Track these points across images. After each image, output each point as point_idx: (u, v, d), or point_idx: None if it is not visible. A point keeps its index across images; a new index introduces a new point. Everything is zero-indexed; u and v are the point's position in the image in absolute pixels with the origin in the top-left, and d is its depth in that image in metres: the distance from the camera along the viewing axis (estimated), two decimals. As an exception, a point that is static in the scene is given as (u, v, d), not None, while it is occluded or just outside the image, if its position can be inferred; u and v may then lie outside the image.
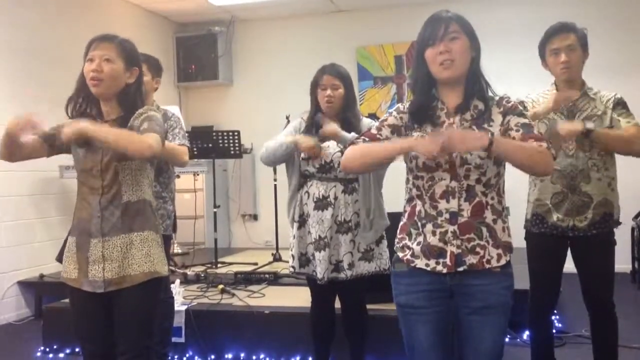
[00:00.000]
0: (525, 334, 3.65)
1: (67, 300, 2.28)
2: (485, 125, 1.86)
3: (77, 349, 3.64)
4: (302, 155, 2.89)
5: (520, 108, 1.90)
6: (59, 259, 2.46)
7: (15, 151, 2.12)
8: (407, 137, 1.89)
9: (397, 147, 1.83)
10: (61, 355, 3.86)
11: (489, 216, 1.85)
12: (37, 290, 4.93)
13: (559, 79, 2.70)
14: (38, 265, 4.93)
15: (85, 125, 2.00)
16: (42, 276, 4.90)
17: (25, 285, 4.91)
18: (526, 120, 1.87)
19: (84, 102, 2.17)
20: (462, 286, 1.87)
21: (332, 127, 2.80)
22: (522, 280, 2.77)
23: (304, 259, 2.91)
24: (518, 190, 2.85)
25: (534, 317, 2.88)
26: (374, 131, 1.97)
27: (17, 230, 4.86)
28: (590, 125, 2.53)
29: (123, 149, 2.03)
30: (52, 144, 2.17)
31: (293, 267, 2.94)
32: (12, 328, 4.66)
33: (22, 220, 4.92)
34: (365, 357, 3.10)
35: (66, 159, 2.28)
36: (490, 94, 1.92)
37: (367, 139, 1.95)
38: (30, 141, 2.09)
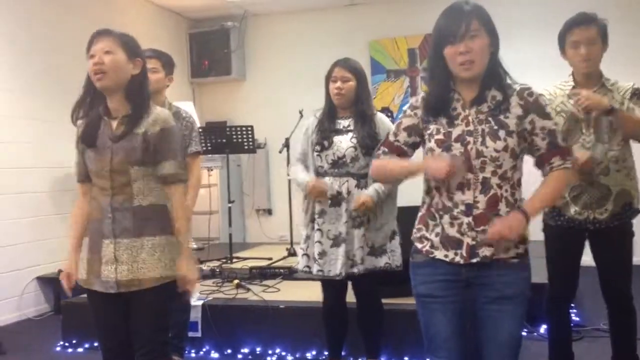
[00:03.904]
0: (543, 328, 3.63)
1: (85, 296, 2.30)
2: (502, 117, 1.84)
3: (95, 344, 3.68)
4: (316, 148, 2.90)
5: (544, 106, 1.88)
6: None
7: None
8: (417, 161, 1.93)
9: (407, 170, 1.94)
10: (80, 349, 3.91)
11: (502, 208, 1.85)
12: (56, 285, 4.98)
13: (577, 72, 2.67)
14: (56, 261, 4.98)
15: (190, 277, 2.17)
16: (60, 272, 4.93)
17: (44, 281, 4.97)
18: (551, 125, 1.87)
19: (90, 103, 2.16)
20: (479, 276, 1.87)
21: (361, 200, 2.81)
22: (539, 274, 2.75)
23: (314, 258, 2.91)
24: (536, 181, 2.82)
25: (552, 311, 2.86)
26: (391, 138, 1.99)
27: (36, 227, 4.92)
28: (615, 104, 2.52)
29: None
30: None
31: (307, 266, 2.94)
32: (32, 323, 4.72)
33: (40, 216, 4.97)
34: (380, 352, 3.11)
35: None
36: (509, 81, 1.90)
37: (386, 150, 1.99)
38: (83, 199, 2.25)
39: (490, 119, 1.84)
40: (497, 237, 1.78)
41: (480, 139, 1.83)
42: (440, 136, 1.87)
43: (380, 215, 2.87)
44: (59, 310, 4.52)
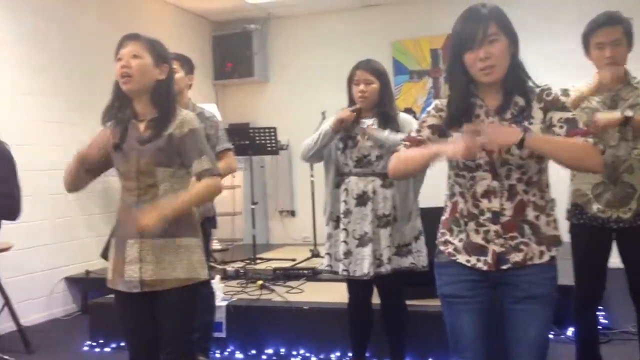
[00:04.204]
0: (570, 330, 3.58)
1: (112, 296, 2.34)
2: (526, 123, 1.82)
3: (122, 343, 3.73)
4: (340, 145, 2.89)
5: (562, 101, 1.85)
6: (104, 255, 2.52)
7: (80, 182, 2.23)
8: (436, 144, 1.88)
9: (428, 154, 1.84)
10: (107, 349, 3.96)
11: (530, 214, 1.83)
12: (83, 286, 5.06)
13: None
14: (84, 261, 5.06)
15: (164, 212, 2.05)
16: (87, 272, 5.03)
17: (72, 282, 5.05)
18: (569, 115, 1.82)
19: (117, 106, 2.20)
20: (506, 277, 1.86)
21: (370, 130, 2.81)
22: (566, 276, 2.71)
23: (337, 258, 2.91)
24: (564, 180, 2.79)
25: (579, 312, 2.83)
26: (414, 134, 1.97)
27: (64, 228, 5.00)
28: (629, 112, 2.47)
29: (203, 203, 2.23)
30: (104, 165, 2.24)
31: (330, 265, 2.95)
32: (60, 323, 4.80)
33: (67, 218, 5.06)
34: (405, 353, 3.10)
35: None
36: (530, 84, 1.87)
37: (408, 144, 1.96)
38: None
39: (514, 125, 1.81)
40: (489, 133, 1.71)
41: (505, 147, 1.79)
42: None
43: (405, 207, 2.86)
44: (87, 310, 4.59)
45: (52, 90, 4.93)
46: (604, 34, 2.55)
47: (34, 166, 4.66)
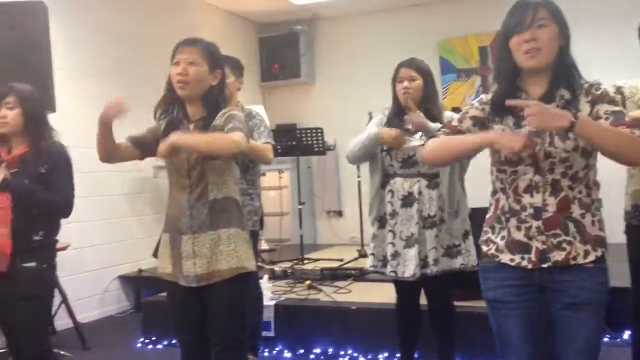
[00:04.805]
0: (626, 334, 3.47)
1: (164, 294, 2.39)
2: None
3: (174, 341, 3.81)
4: (384, 147, 2.88)
5: (611, 95, 1.79)
6: (155, 254, 2.59)
7: (111, 151, 2.25)
8: (488, 131, 1.83)
9: (477, 141, 1.77)
10: (160, 346, 4.06)
11: (576, 211, 1.77)
12: (136, 284, 5.20)
13: None
14: (136, 260, 5.20)
15: (175, 139, 2.10)
16: (140, 271, 5.16)
17: (125, 280, 5.19)
18: (617, 108, 1.75)
19: (171, 105, 2.27)
20: (553, 281, 1.80)
21: (418, 115, 2.77)
22: (622, 278, 2.63)
23: (385, 258, 2.90)
24: (615, 180, 2.70)
25: (636, 316, 2.73)
26: (455, 123, 1.92)
27: (117, 228, 5.15)
28: None
29: (214, 152, 2.13)
30: (143, 148, 2.29)
31: (374, 266, 2.94)
32: (114, 320, 4.94)
33: (120, 218, 5.21)
34: (454, 355, 3.06)
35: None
36: (581, 81, 1.82)
37: (447, 131, 1.92)
38: (123, 143, 2.25)
39: None
40: (535, 112, 1.62)
41: (548, 140, 1.75)
42: None
43: (452, 203, 2.83)
44: (140, 307, 4.71)
45: (105, 94, 5.05)
46: None
47: (89, 168, 4.79)
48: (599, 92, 1.78)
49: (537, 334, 1.87)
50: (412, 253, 2.80)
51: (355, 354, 3.59)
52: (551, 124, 1.62)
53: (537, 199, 1.78)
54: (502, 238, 1.85)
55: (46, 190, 2.57)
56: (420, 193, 2.83)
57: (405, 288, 2.94)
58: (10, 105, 2.59)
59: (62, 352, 3.77)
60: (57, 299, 3.43)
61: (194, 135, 2.17)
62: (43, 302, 2.62)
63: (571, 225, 1.77)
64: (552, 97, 1.79)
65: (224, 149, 2.10)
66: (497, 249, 1.86)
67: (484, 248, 1.91)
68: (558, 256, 1.77)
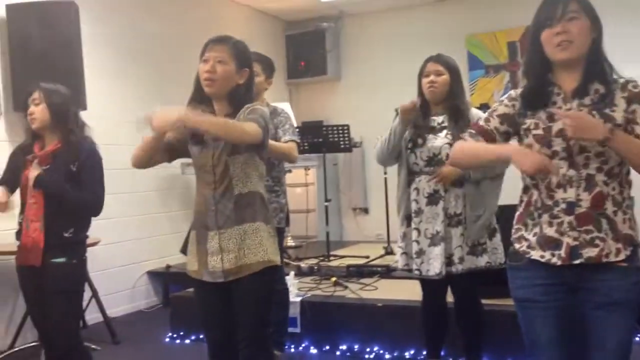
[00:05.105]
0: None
1: (191, 290, 2.42)
2: (607, 110, 1.74)
3: (201, 336, 3.85)
4: (409, 144, 2.86)
5: None
6: (183, 250, 2.62)
7: (148, 160, 2.26)
8: (509, 144, 1.83)
9: (497, 153, 1.81)
10: (187, 341, 4.10)
11: (609, 207, 1.74)
12: (164, 279, 5.27)
13: None
14: (164, 256, 5.27)
15: (182, 114, 2.07)
16: (168, 267, 5.23)
17: (154, 275, 5.26)
18: None
19: (199, 102, 2.29)
20: (584, 280, 1.77)
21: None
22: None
23: (412, 256, 2.88)
24: None
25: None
26: (482, 123, 1.91)
27: (145, 224, 5.22)
28: None
29: (221, 136, 2.13)
30: (172, 151, 2.31)
31: (407, 264, 2.94)
32: (143, 315, 5.02)
33: (149, 214, 5.28)
34: (481, 353, 3.03)
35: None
36: (614, 76, 1.79)
37: (474, 132, 1.91)
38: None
39: (594, 112, 1.74)
40: (572, 121, 1.65)
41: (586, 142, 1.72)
42: (540, 131, 1.78)
43: (476, 207, 2.80)
44: (168, 303, 4.77)
45: (134, 92, 5.13)
46: None
47: (119, 165, 4.86)
48: (637, 90, 1.75)
49: (567, 335, 1.84)
50: (437, 251, 2.78)
51: (381, 351, 3.58)
52: (586, 135, 1.66)
53: (571, 194, 1.75)
54: (534, 234, 1.82)
55: (77, 188, 2.61)
56: (446, 191, 2.82)
57: (431, 286, 2.93)
58: (36, 101, 2.66)
59: (92, 346, 3.84)
60: (87, 294, 3.50)
61: (203, 114, 2.16)
62: (74, 296, 2.67)
63: (604, 222, 1.74)
64: (585, 91, 1.77)
65: (231, 134, 2.11)
66: (528, 246, 1.83)
67: (517, 245, 1.88)
68: (591, 252, 1.74)
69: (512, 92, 1.91)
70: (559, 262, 1.76)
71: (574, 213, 1.75)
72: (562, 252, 1.76)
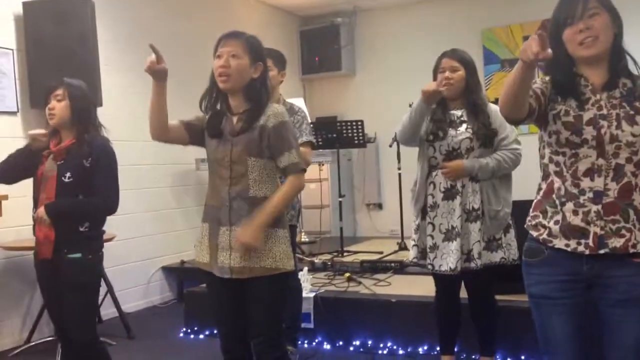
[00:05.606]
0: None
1: (205, 285, 2.43)
2: (637, 103, 1.73)
3: (215, 331, 3.87)
4: (430, 137, 2.84)
5: None
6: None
7: (164, 125, 2.26)
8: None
9: (519, 65, 1.71)
10: (201, 336, 4.13)
11: (637, 198, 1.72)
12: (179, 275, 5.30)
13: None
14: (179, 252, 5.30)
15: (253, 235, 2.14)
16: (182, 262, 5.26)
17: (168, 271, 5.30)
18: None
19: (214, 98, 2.29)
20: (602, 277, 1.75)
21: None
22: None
23: (425, 251, 2.87)
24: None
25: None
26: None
27: (160, 220, 5.25)
28: None
29: (291, 203, 2.32)
30: (191, 132, 2.31)
31: (416, 258, 2.93)
32: (158, 310, 5.05)
33: (164, 210, 5.31)
34: (495, 349, 3.02)
35: (201, 152, 2.42)
36: (636, 72, 1.78)
37: None
38: (175, 123, 2.28)
39: (624, 104, 1.73)
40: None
41: (615, 123, 1.72)
42: (570, 119, 1.76)
43: (495, 201, 2.78)
44: (182, 298, 4.79)
45: (149, 89, 5.14)
46: None
47: (134, 161, 4.92)
48: None
49: (582, 332, 1.82)
50: (453, 247, 2.76)
51: (395, 347, 3.58)
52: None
53: (598, 183, 1.73)
54: (556, 222, 1.79)
55: (90, 186, 2.61)
56: (463, 186, 2.80)
57: (444, 282, 2.92)
58: (59, 97, 2.66)
59: (107, 341, 3.87)
60: (102, 289, 3.53)
61: (261, 214, 2.17)
62: (89, 291, 2.69)
63: (632, 213, 1.73)
64: (615, 85, 1.77)
65: (295, 195, 2.37)
66: (549, 234, 1.80)
67: (534, 233, 1.85)
68: (617, 242, 1.72)
69: (543, 77, 1.88)
70: (587, 252, 1.74)
71: (601, 202, 1.73)
72: (590, 241, 1.73)
